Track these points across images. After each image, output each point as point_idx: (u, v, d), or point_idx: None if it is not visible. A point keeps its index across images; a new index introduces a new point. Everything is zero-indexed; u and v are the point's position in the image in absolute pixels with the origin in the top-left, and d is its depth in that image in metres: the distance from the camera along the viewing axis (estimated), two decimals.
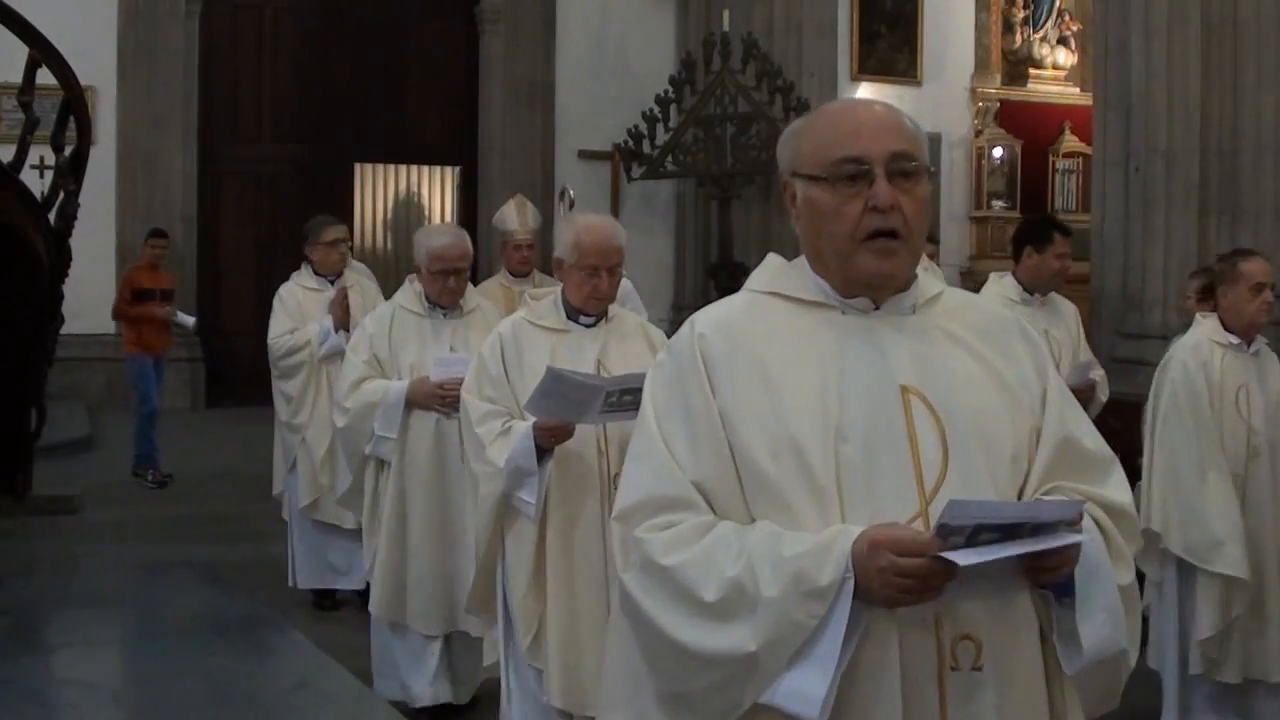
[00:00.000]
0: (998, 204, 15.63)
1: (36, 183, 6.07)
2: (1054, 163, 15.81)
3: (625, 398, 3.42)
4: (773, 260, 2.03)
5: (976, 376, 1.90)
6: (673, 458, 1.86)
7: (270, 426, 9.45)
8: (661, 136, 11.83)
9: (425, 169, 14.01)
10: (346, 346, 5.05)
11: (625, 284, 7.55)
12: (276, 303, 6.27)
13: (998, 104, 15.64)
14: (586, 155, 13.43)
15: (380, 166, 13.81)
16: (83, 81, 5.95)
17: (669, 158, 11.89)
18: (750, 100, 11.44)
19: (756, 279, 2.01)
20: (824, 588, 1.69)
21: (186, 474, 9.12)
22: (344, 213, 11.29)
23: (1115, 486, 1.93)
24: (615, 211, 12.22)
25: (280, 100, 13.11)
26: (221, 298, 12.81)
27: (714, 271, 11.97)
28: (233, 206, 12.96)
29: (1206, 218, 8.35)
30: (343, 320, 5.95)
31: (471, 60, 13.66)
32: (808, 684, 1.70)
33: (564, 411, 3.51)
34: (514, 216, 6.29)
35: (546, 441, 3.57)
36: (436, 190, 14.18)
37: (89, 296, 10.58)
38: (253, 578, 6.39)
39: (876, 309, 1.91)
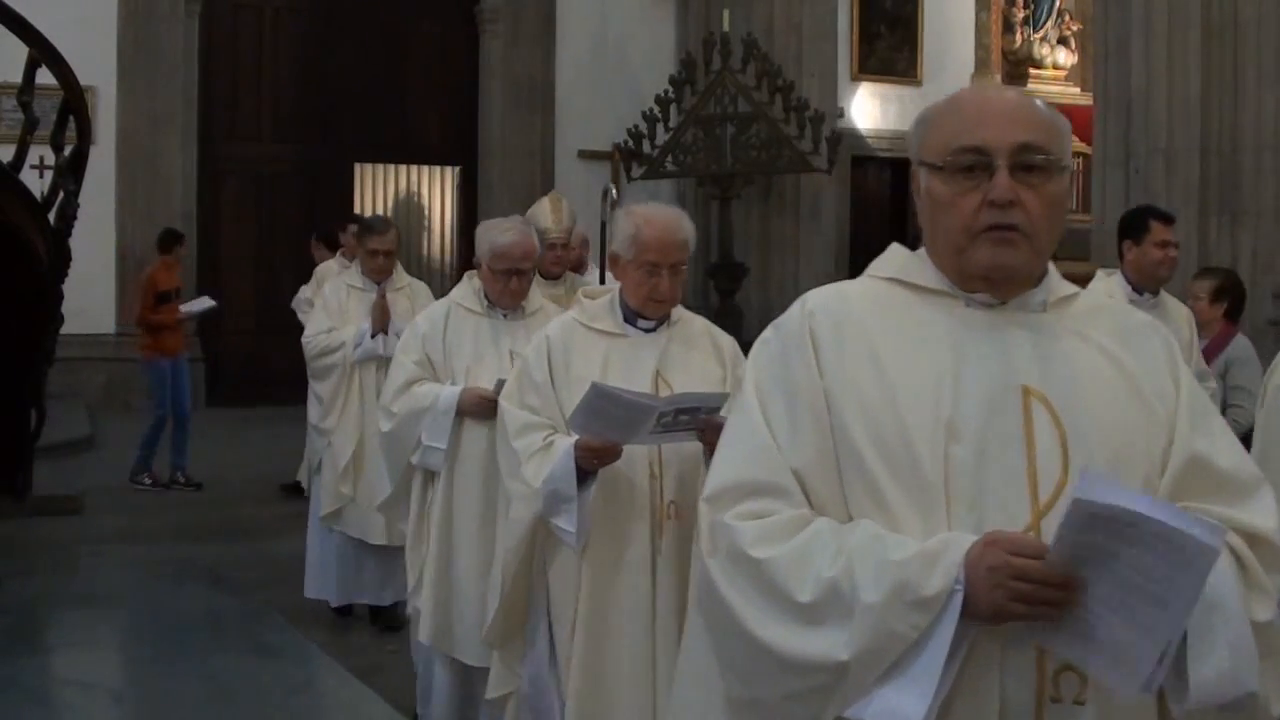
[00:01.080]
0: None
1: (36, 183, 6.08)
2: None
3: (681, 418, 3.06)
4: (896, 249, 1.89)
5: (1111, 384, 1.73)
6: (773, 439, 1.72)
7: (271, 426, 9.47)
8: (661, 136, 11.84)
9: (425, 169, 14.01)
10: (396, 347, 4.48)
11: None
12: (318, 299, 6.07)
13: None
14: (586, 155, 13.43)
15: (380, 166, 13.81)
16: (83, 81, 5.96)
17: (669, 158, 11.90)
18: (750, 100, 11.45)
19: (878, 265, 1.87)
20: (930, 598, 1.55)
21: (186, 474, 9.10)
22: (344, 213, 11.30)
23: (1258, 510, 1.72)
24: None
25: (280, 100, 13.12)
26: (221, 297, 12.74)
27: (714, 271, 11.98)
28: (233, 206, 12.97)
29: (1206, 218, 8.36)
30: (382, 325, 5.65)
31: (471, 60, 13.66)
32: (904, 703, 1.56)
33: (611, 431, 3.10)
34: (548, 213, 5.80)
35: (589, 463, 3.13)
36: (436, 190, 14.18)
37: (89, 296, 10.61)
38: (253, 578, 6.38)
39: (1003, 304, 1.75)
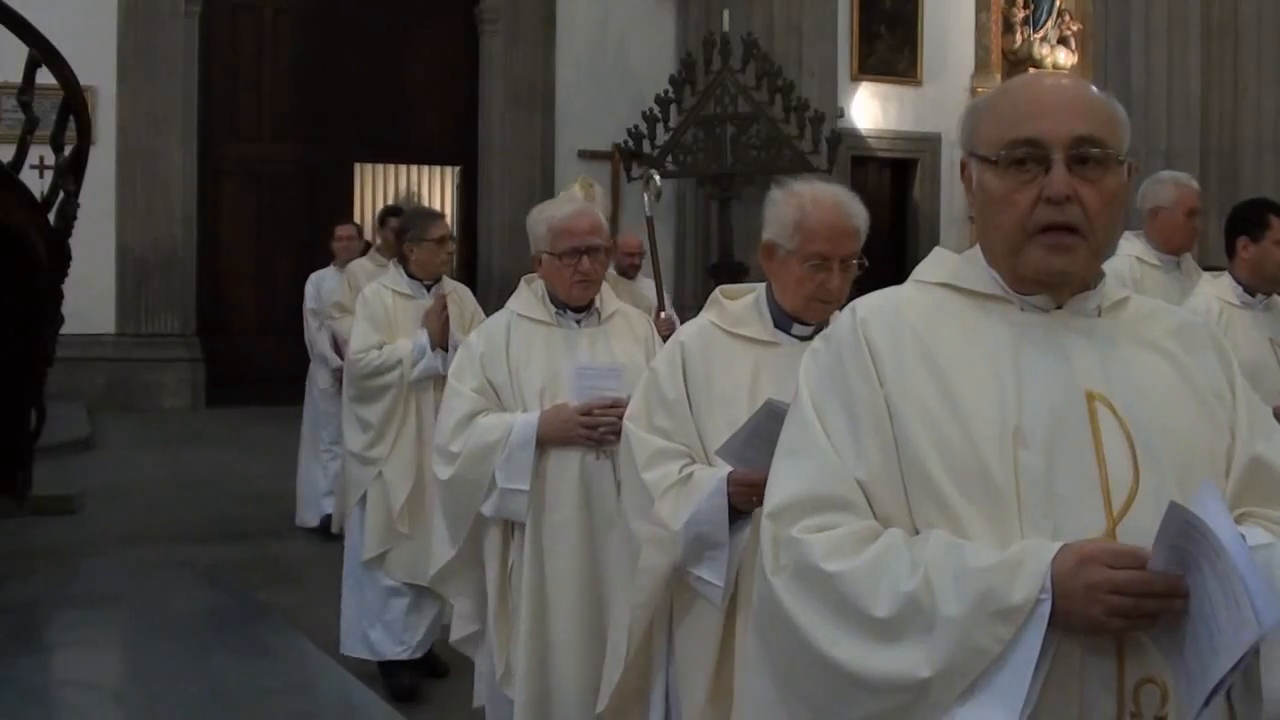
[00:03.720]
0: None
1: (36, 183, 6.07)
2: None
3: None
4: (941, 252, 1.84)
5: (1172, 387, 1.69)
6: (834, 451, 1.66)
7: (271, 427, 9.46)
8: (661, 136, 11.84)
9: (425, 169, 14.02)
10: (449, 371, 3.82)
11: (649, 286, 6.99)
12: (360, 307, 5.05)
13: None
14: (586, 155, 13.43)
15: (380, 166, 13.82)
16: (83, 81, 5.96)
17: (669, 158, 11.89)
18: (750, 100, 11.45)
19: (924, 270, 1.81)
20: (1014, 607, 1.49)
21: (186, 474, 9.12)
22: (344, 213, 11.30)
23: None
24: (615, 211, 12.18)
25: (280, 100, 13.12)
26: (221, 298, 12.83)
27: (714, 272, 11.97)
28: (233, 206, 12.98)
29: (1207, 218, 8.35)
30: (440, 336, 4.82)
31: (471, 60, 13.67)
32: None
33: None
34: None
35: (746, 502, 2.58)
36: (436, 190, 14.19)
37: (89, 296, 10.62)
38: (253, 578, 6.38)
39: (1058, 308, 1.70)
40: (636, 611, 2.77)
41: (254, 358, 12.28)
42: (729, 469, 2.61)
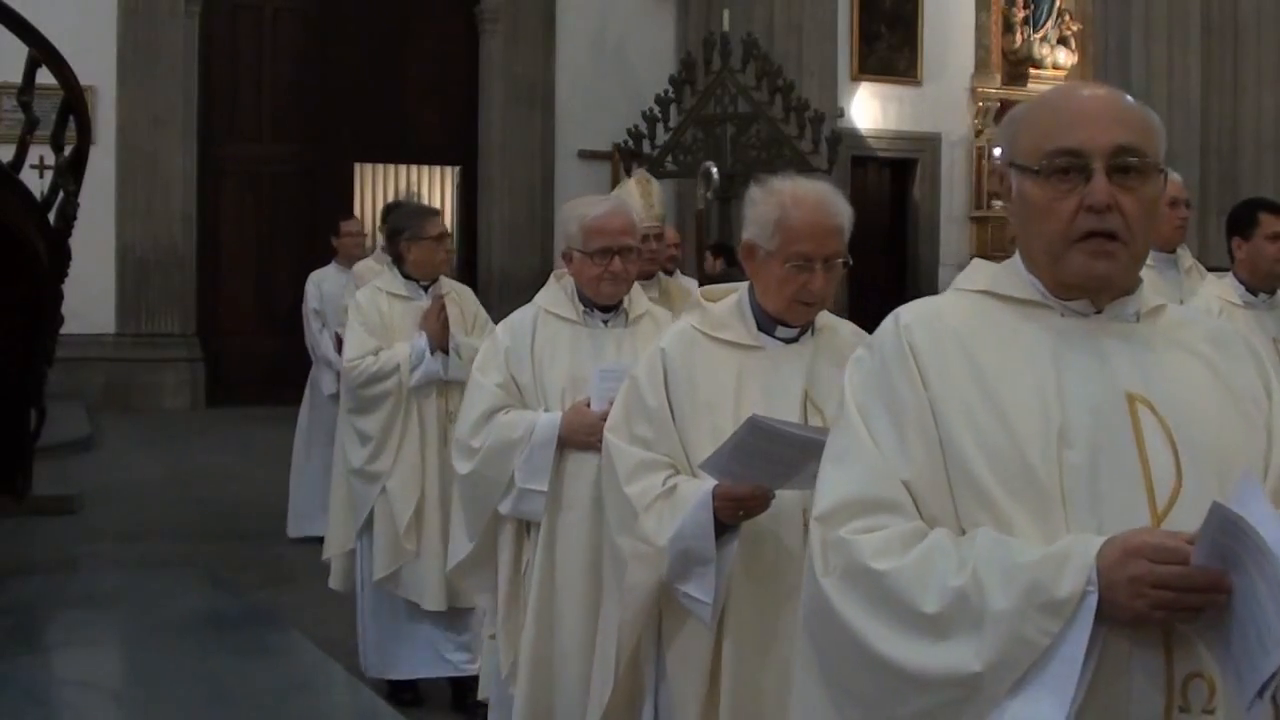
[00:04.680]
0: (998, 204, 15.60)
1: (36, 183, 6.06)
2: None
3: None
4: (980, 262, 1.87)
5: (1210, 390, 1.73)
6: (880, 454, 1.69)
7: (270, 426, 9.47)
8: (661, 136, 11.84)
9: (425, 169, 14.02)
10: (473, 367, 3.63)
11: (693, 285, 6.71)
12: (353, 312, 4.82)
13: (998, 104, 15.65)
14: (586, 155, 13.44)
15: (380, 166, 13.82)
16: (83, 81, 5.95)
17: (669, 158, 11.89)
18: (750, 100, 11.45)
19: (965, 279, 1.84)
20: (1062, 600, 1.51)
21: (186, 474, 9.12)
22: (344, 213, 11.28)
23: None
24: None
25: (280, 100, 13.13)
26: (221, 298, 12.83)
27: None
28: (233, 206, 12.98)
29: (1206, 218, 8.37)
30: (440, 338, 4.62)
31: (471, 60, 13.67)
32: (1038, 713, 1.51)
33: (762, 474, 2.49)
34: (636, 198, 4.54)
35: (732, 516, 2.53)
36: (436, 190, 14.18)
37: (89, 296, 10.62)
38: (253, 578, 6.38)
39: (1098, 313, 1.74)
40: (624, 629, 2.69)
41: (254, 358, 12.28)
42: (713, 481, 2.54)
